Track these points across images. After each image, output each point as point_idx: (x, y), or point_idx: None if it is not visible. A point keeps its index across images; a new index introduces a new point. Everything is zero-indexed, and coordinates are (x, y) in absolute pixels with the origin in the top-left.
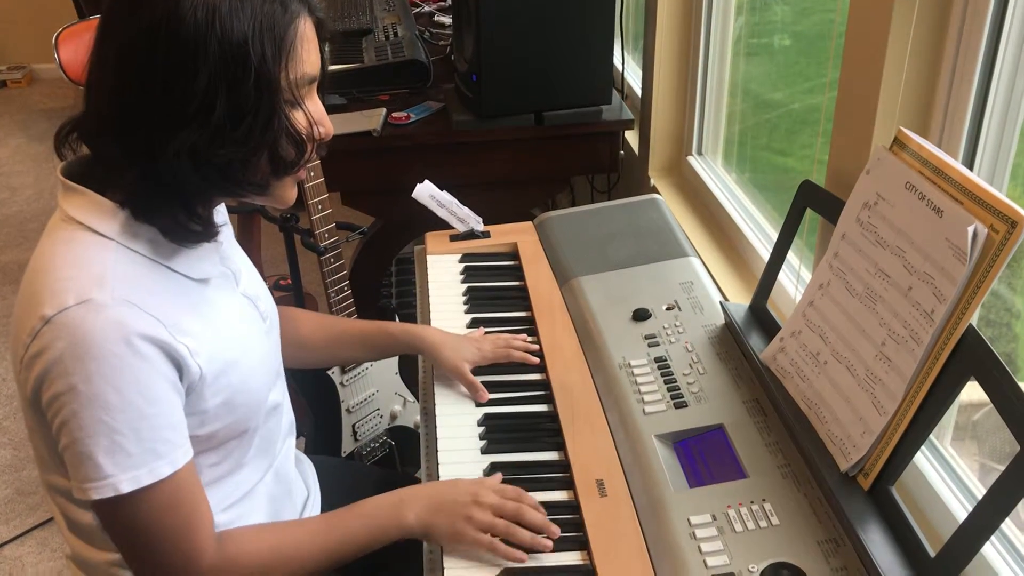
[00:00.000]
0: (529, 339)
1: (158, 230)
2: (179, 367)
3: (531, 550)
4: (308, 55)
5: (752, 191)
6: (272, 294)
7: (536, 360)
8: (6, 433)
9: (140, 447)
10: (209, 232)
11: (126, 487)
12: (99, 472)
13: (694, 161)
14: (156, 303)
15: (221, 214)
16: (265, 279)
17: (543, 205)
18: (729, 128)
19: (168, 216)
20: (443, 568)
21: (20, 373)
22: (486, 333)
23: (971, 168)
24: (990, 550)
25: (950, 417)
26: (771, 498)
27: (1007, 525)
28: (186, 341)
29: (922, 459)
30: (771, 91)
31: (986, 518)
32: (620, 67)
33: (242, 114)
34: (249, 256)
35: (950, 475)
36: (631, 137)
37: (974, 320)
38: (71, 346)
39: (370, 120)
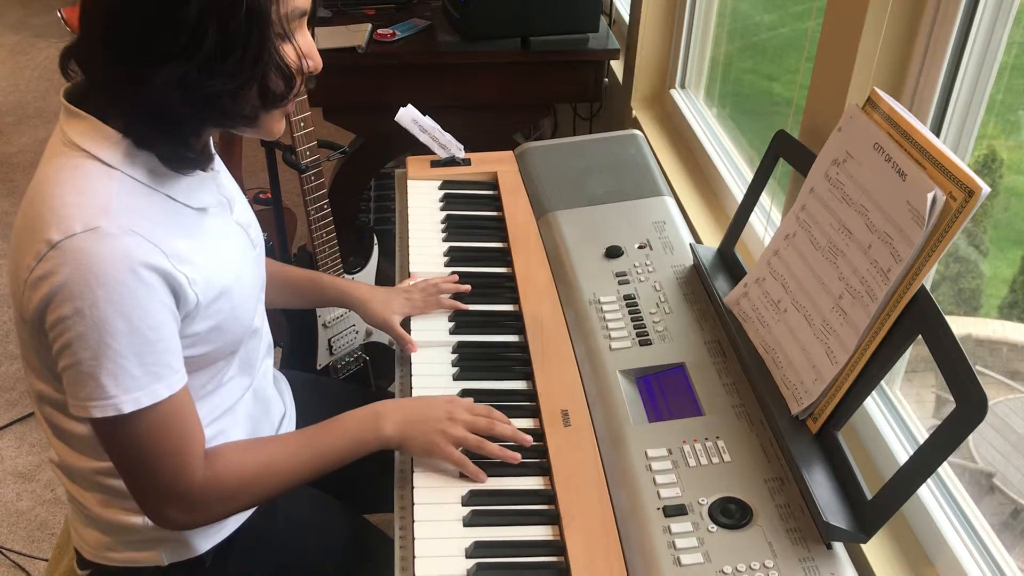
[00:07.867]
0: (458, 278)
1: (156, 157)
2: (177, 295)
3: (500, 460)
4: None
5: (730, 126)
6: (251, 207)
7: (466, 306)
8: None
9: (142, 370)
10: (204, 159)
11: (128, 407)
12: (102, 392)
13: (676, 95)
14: (158, 233)
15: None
16: (245, 192)
17: (526, 130)
18: (712, 65)
19: (164, 145)
20: (413, 488)
21: (23, 293)
22: (424, 279)
23: (938, 134)
24: (926, 493)
25: (901, 364)
26: (724, 436)
27: (943, 470)
28: (185, 270)
29: (872, 404)
30: (761, 30)
31: (919, 468)
32: None
33: (232, 46)
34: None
35: (896, 421)
36: (616, 66)
37: (927, 282)
38: (78, 272)
39: (355, 36)
